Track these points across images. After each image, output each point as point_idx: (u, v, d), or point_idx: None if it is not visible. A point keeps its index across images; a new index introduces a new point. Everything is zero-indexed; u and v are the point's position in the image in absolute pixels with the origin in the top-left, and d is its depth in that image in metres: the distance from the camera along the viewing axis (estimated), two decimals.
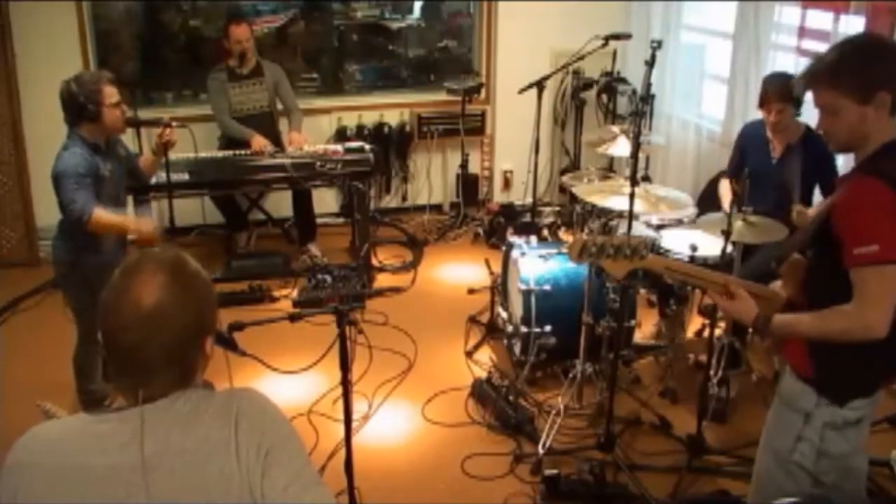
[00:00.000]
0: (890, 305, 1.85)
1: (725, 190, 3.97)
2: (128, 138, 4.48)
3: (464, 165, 5.97)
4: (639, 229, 3.98)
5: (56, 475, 1.31)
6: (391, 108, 5.95)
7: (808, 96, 3.27)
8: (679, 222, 4.18)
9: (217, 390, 1.43)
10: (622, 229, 3.67)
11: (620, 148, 3.81)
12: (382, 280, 5.05)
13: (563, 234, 5.20)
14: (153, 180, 4.35)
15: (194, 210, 5.34)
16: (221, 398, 1.39)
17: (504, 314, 4.18)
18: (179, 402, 1.35)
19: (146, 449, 1.30)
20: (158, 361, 1.34)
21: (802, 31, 4.46)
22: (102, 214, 3.20)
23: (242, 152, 4.92)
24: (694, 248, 3.61)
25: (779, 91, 3.62)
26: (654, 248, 3.88)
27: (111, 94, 3.24)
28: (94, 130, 3.25)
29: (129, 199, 4.51)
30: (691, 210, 4.13)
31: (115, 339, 1.33)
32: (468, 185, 6.06)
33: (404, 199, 6.17)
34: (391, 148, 5.94)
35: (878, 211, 1.86)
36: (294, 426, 1.43)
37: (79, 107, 3.18)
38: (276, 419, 1.40)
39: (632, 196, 3.12)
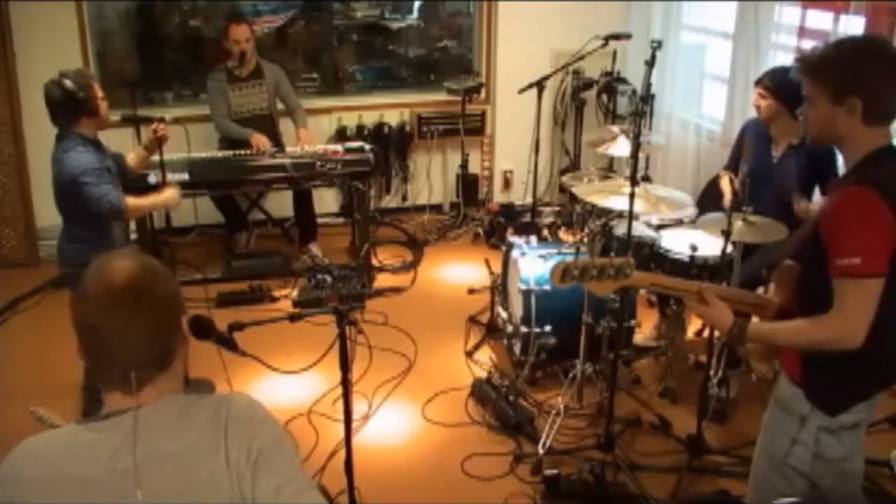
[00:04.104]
0: (867, 317, 1.85)
1: (726, 185, 3.96)
2: (126, 137, 4.49)
3: (464, 165, 5.97)
4: (639, 229, 3.98)
5: (50, 485, 1.32)
6: (391, 108, 5.95)
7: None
8: (679, 222, 4.19)
9: (206, 395, 1.44)
10: (622, 229, 3.67)
11: (620, 148, 3.80)
12: (382, 280, 5.05)
13: (563, 234, 5.20)
14: (153, 180, 4.36)
15: (194, 210, 5.32)
16: (211, 402, 1.40)
17: (504, 314, 4.18)
18: (168, 407, 1.37)
19: (136, 454, 1.31)
20: (142, 340, 1.35)
21: (802, 31, 4.45)
22: (133, 201, 3.31)
23: (242, 152, 4.92)
24: (694, 248, 3.61)
25: (771, 78, 3.67)
26: (654, 248, 3.90)
27: (98, 89, 3.29)
28: (91, 125, 3.25)
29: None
30: (691, 210, 4.13)
31: (96, 328, 1.35)
32: (468, 185, 6.06)
33: (404, 199, 6.17)
34: (391, 148, 5.94)
35: (866, 222, 1.85)
36: (286, 429, 1.44)
37: (77, 102, 3.17)
38: (265, 423, 1.41)
39: (632, 196, 3.12)
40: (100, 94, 3.27)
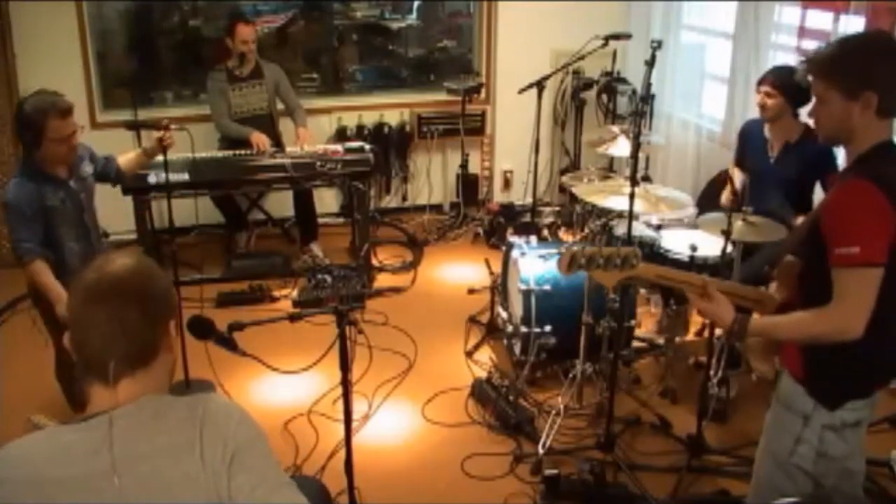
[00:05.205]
0: (867, 307, 1.85)
1: (737, 178, 3.92)
2: (126, 140, 4.49)
3: (464, 165, 5.97)
4: (639, 229, 3.99)
5: (31, 489, 1.33)
6: (391, 108, 5.95)
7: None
8: (679, 222, 4.19)
9: (184, 396, 1.45)
10: (622, 229, 3.67)
11: (620, 148, 3.81)
12: (382, 280, 5.05)
13: (563, 234, 5.21)
14: (153, 180, 4.37)
15: (193, 210, 5.33)
16: (186, 403, 1.41)
17: (504, 314, 4.18)
18: (144, 408, 1.38)
19: (114, 453, 1.32)
20: (122, 332, 1.36)
21: (802, 31, 4.46)
22: (41, 270, 3.07)
23: (242, 152, 4.92)
24: (694, 248, 3.62)
25: (777, 76, 3.66)
26: (654, 248, 3.90)
27: (57, 128, 2.97)
28: (37, 156, 3.06)
29: (131, 202, 4.54)
30: (691, 210, 4.14)
31: (80, 319, 1.37)
32: (468, 185, 6.06)
33: (404, 199, 6.17)
34: (391, 148, 5.94)
35: (865, 213, 1.86)
36: (263, 429, 1.44)
37: (19, 130, 3.05)
38: (241, 422, 1.41)
39: (632, 196, 3.12)
40: (55, 134, 2.97)
